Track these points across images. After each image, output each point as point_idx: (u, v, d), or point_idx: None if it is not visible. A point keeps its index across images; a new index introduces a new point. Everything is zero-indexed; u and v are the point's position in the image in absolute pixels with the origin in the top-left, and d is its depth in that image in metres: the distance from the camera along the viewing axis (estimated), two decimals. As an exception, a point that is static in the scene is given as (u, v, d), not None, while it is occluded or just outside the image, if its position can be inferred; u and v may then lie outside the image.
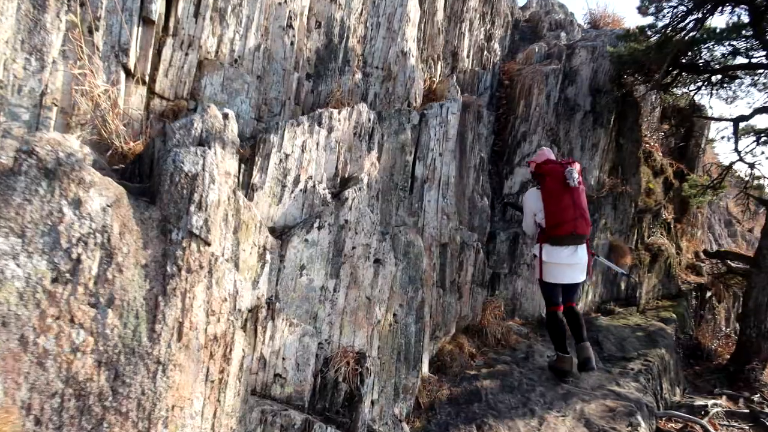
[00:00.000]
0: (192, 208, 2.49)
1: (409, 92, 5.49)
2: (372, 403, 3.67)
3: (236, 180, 2.91)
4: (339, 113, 3.76)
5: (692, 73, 7.86)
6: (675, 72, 8.04)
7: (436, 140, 4.96)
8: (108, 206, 2.21)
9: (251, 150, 3.29)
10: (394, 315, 4.25)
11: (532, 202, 5.21)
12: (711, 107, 15.44)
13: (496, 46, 9.36)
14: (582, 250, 4.97)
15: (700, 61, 7.76)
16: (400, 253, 4.32)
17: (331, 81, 4.85)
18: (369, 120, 4.02)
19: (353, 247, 3.56)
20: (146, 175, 2.85)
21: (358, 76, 5.36)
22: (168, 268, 2.38)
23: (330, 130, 3.63)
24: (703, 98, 17.67)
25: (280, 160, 3.34)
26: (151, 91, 3.90)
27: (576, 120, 8.07)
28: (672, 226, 9.82)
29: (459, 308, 5.74)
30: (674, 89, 8.38)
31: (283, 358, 3.00)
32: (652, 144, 9.40)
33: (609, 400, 5.16)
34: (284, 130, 3.38)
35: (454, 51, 8.06)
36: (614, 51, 7.84)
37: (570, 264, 4.97)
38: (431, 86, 6.76)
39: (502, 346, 6.11)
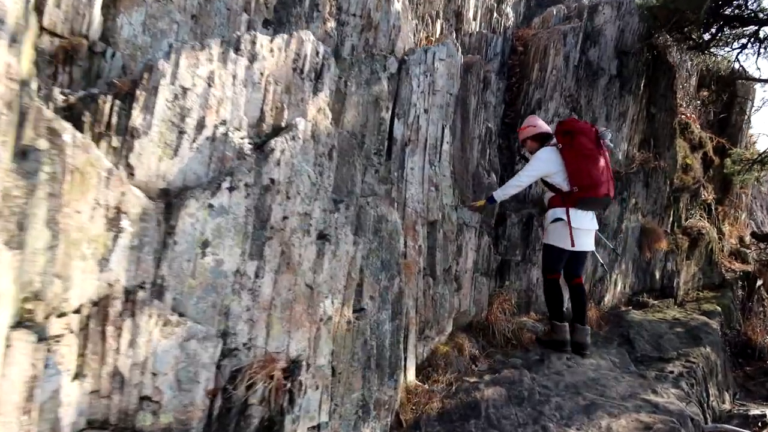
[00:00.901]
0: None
1: (394, 44, 4.46)
2: (317, 428, 2.66)
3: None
4: (271, 41, 2.76)
5: (736, 25, 6.60)
6: (716, 26, 6.79)
7: (419, 93, 3.92)
8: None
9: (131, 84, 2.32)
10: (360, 310, 3.23)
11: (550, 161, 4.52)
12: (759, 69, 13.87)
13: (509, 10, 8.23)
14: (596, 217, 4.70)
15: (746, 11, 6.50)
16: (367, 230, 3.30)
17: (296, 30, 3.85)
18: (317, 54, 3.01)
19: (284, 217, 2.55)
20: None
21: (331, 24, 4.35)
22: None
23: (253, 59, 2.63)
24: (748, 59, 16.12)
25: (175, 96, 2.36)
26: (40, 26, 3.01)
27: (600, 86, 6.91)
28: (713, 208, 8.53)
29: (457, 302, 4.68)
30: (714, 48, 7.11)
31: (154, 373, 2.02)
32: (688, 114, 8.14)
33: (644, 413, 4.03)
34: (180, 54, 2.39)
35: (457, 11, 6.98)
36: (643, 2, 6.64)
37: (590, 230, 4.62)
38: (427, 44, 5.72)
39: (512, 347, 5.03)
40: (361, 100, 3.71)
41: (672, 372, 5.08)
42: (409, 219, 3.88)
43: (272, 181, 2.49)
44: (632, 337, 5.65)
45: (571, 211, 4.46)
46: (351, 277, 3.01)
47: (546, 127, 5.05)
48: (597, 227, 4.65)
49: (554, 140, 4.83)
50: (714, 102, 8.23)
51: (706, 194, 8.44)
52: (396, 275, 3.51)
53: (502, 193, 4.74)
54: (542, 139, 4.84)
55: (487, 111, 6.23)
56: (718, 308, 7.10)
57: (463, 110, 5.64)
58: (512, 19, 8.16)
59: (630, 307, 6.71)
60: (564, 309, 4.88)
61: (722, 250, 8.68)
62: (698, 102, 8.32)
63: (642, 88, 7.17)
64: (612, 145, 4.65)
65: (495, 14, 7.61)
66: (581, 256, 4.72)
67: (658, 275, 7.21)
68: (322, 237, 2.78)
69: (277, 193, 2.52)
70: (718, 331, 6.29)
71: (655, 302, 6.95)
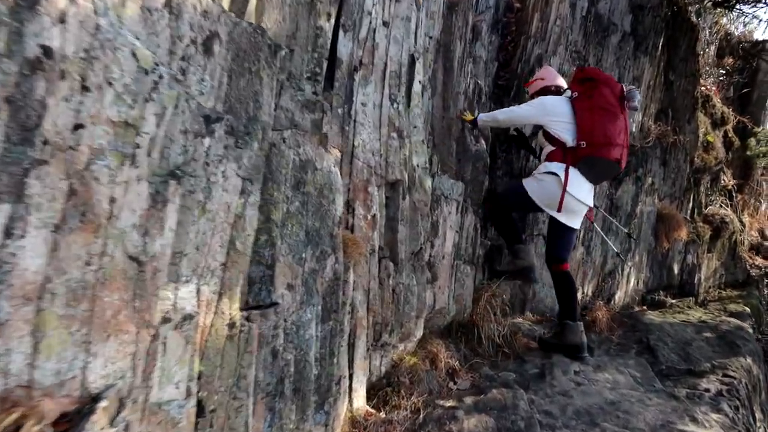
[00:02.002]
0: None
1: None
2: None
3: None
4: None
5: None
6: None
7: (375, -2, 2.69)
8: None
9: None
10: (270, 305, 2.01)
11: (555, 107, 3.68)
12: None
13: (504, -39, 7.02)
14: (593, 192, 3.81)
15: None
16: (282, 181, 2.08)
17: None
18: None
19: (77, 126, 1.32)
20: None
21: None
22: None
23: None
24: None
25: None
26: None
27: (611, 44, 5.72)
28: (733, 194, 7.36)
29: (430, 297, 3.47)
30: (740, 5, 5.93)
31: None
32: (708, 86, 6.95)
33: (685, 454, 2.85)
34: None
35: (442, -49, 5.75)
36: (665, -59, 5.45)
37: (584, 204, 3.67)
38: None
39: (503, 356, 3.83)
40: (291, 0, 2.48)
41: (708, 390, 3.89)
42: (357, 176, 2.66)
43: (46, 52, 1.26)
44: (653, 344, 4.45)
45: (572, 171, 3.55)
46: (236, 250, 1.78)
47: (559, 80, 4.05)
48: (592, 205, 3.77)
49: (568, 93, 3.79)
50: (740, 71, 7.04)
51: (725, 179, 7.27)
52: (330, 253, 2.29)
53: (487, 117, 3.96)
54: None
55: (477, 66, 5.01)
56: (747, 309, 5.92)
57: (446, 59, 4.43)
58: (508, -28, 6.96)
59: (645, 307, 5.51)
60: (574, 302, 3.83)
61: (743, 244, 7.50)
62: (721, 71, 7.13)
63: (660, 49, 5.97)
64: (638, 107, 3.79)
65: (488, -38, 6.37)
66: (567, 233, 3.75)
67: (676, 269, 6.02)
68: (172, 175, 1.54)
69: (62, 77, 1.29)
70: (754, 337, 5.10)
71: (674, 301, 5.77)
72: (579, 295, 5.02)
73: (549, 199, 3.64)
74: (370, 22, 2.69)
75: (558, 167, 3.59)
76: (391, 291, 2.93)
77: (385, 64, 2.74)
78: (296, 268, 2.19)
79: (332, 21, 2.59)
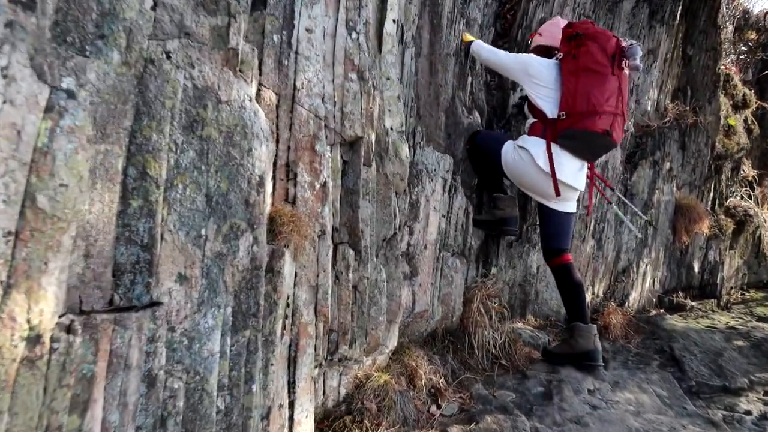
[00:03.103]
0: None
1: None
2: None
3: None
4: None
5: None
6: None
7: None
8: None
9: None
10: (150, 305, 1.26)
11: (542, 68, 3.03)
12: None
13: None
14: (585, 173, 3.11)
15: None
16: (165, 117, 1.34)
17: None
18: None
19: None
20: None
21: None
22: None
23: None
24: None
25: None
26: None
27: (623, 11, 4.99)
28: (754, 185, 6.63)
29: (409, 296, 2.72)
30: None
31: None
32: (727, 66, 6.22)
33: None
34: None
35: None
36: None
37: (572, 187, 3.02)
38: None
39: (501, 370, 3.09)
40: None
41: (749, 412, 3.17)
42: (301, 129, 1.91)
43: None
44: (679, 355, 3.70)
45: (554, 148, 2.93)
46: (39, 211, 1.03)
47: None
48: (583, 188, 3.11)
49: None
50: (763, 46, 6.31)
51: (745, 169, 6.54)
52: (246, 230, 1.54)
53: (477, 47, 3.37)
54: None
55: (470, 30, 4.27)
56: (776, 313, 5.18)
57: (433, 13, 3.71)
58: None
59: (662, 310, 4.77)
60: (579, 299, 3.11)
61: (765, 236, 6.77)
62: (742, 48, 6.39)
63: (677, 18, 5.24)
64: (641, 66, 3.00)
65: (484, -77, 5.64)
66: (560, 218, 3.12)
67: (696, 268, 5.27)
68: None
69: None
70: (792, 346, 4.35)
71: (695, 304, 5.02)
72: (588, 297, 4.28)
73: (520, 177, 3.09)
74: None
75: (534, 143, 2.98)
76: (351, 288, 2.17)
77: (341, -24, 1.98)
78: (192, 250, 1.44)
79: None
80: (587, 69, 2.84)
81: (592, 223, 4.21)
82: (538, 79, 2.99)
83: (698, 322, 4.42)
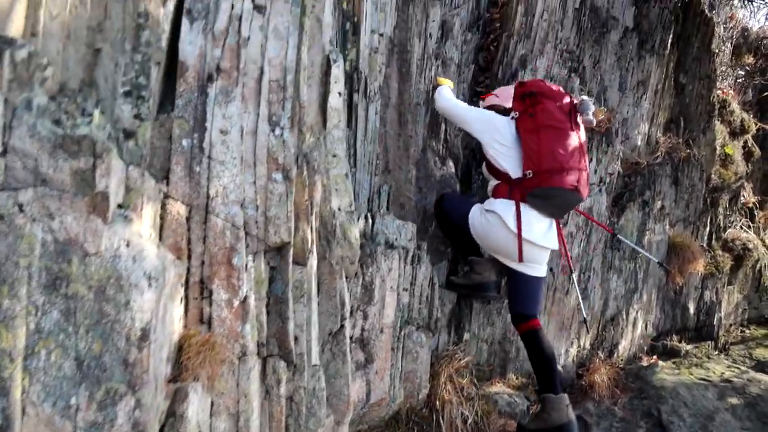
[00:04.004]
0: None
1: None
2: None
3: None
4: None
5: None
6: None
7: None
8: None
9: None
10: None
11: (501, 125, 2.92)
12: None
13: (488, -50, 6.06)
14: (555, 230, 2.94)
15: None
16: (21, 279, 1.15)
17: None
18: None
19: None
20: None
21: None
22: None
23: None
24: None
25: None
26: None
27: (610, 42, 4.76)
28: (755, 212, 6.36)
29: (363, 387, 2.52)
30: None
31: None
32: (725, 89, 5.96)
33: None
34: None
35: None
36: None
37: (543, 247, 2.87)
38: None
39: (470, 450, 2.87)
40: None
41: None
42: (216, 242, 1.71)
43: None
44: (666, 421, 3.48)
45: (523, 209, 2.78)
46: None
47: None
48: (556, 246, 2.95)
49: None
50: (762, 71, 6.03)
51: (745, 195, 6.27)
52: (125, 393, 1.34)
53: (438, 95, 3.23)
54: None
55: (447, 70, 4.06)
56: (777, 355, 4.92)
57: (402, 61, 3.53)
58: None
59: (655, 357, 4.53)
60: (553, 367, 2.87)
61: (766, 268, 6.49)
62: (739, 72, 6.12)
63: (668, 47, 5.00)
64: (594, 121, 2.98)
65: (466, -51, 5.42)
66: (529, 283, 2.93)
67: (692, 309, 5.02)
68: None
69: None
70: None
71: (690, 348, 4.78)
72: (574, 350, 4.06)
73: (493, 243, 2.91)
74: (233, 7, 1.73)
75: (502, 206, 2.81)
76: (284, 402, 1.97)
77: (261, 70, 1.78)
78: (60, 423, 1.25)
79: (170, 5, 1.64)
80: (547, 126, 2.75)
81: (579, 272, 3.98)
82: (501, 138, 2.88)
83: (691, 373, 4.18)
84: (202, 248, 1.71)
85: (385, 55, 3.44)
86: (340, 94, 2.35)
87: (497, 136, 2.86)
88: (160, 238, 1.64)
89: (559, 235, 3.18)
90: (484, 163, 3.18)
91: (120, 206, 1.37)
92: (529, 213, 2.78)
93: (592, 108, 2.86)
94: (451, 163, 3.72)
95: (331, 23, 2.37)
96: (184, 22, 1.69)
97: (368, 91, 3.30)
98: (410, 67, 3.52)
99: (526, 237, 2.73)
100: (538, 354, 2.88)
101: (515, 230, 2.73)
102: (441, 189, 3.56)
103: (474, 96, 4.32)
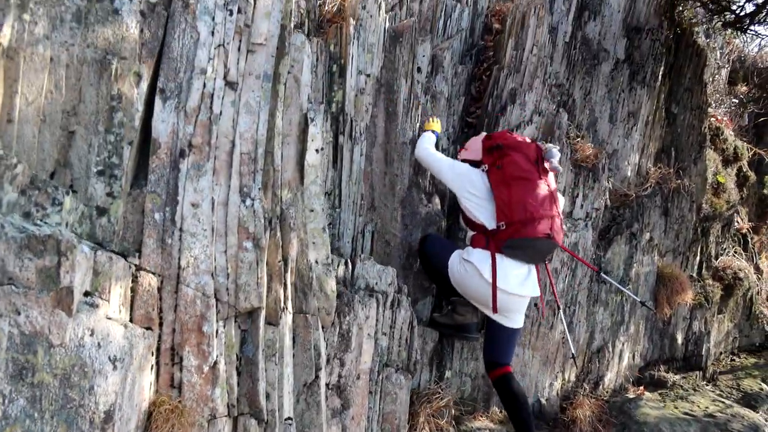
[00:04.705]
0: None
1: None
2: None
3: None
4: None
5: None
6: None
7: (213, 48, 1.82)
8: None
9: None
10: None
11: (474, 178, 3.01)
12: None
13: (484, -24, 6.12)
14: (534, 275, 2.98)
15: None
16: (2, 376, 1.21)
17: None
18: None
19: None
20: None
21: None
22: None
23: None
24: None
25: None
26: None
27: (601, 74, 4.81)
28: (748, 237, 6.36)
29: (338, 434, 2.57)
30: (758, 25, 5.00)
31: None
32: (719, 117, 5.98)
33: None
34: None
35: (402, -33, 4.88)
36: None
37: (521, 296, 2.91)
38: (337, 0, 3.69)
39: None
40: (67, 54, 1.62)
41: None
42: (186, 310, 1.78)
43: None
44: (646, 459, 3.50)
45: (498, 259, 2.82)
46: None
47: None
48: (536, 293, 2.97)
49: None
50: (755, 100, 6.04)
51: (739, 221, 6.27)
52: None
53: (420, 143, 3.31)
54: None
55: (437, 104, 4.13)
56: (764, 387, 4.93)
57: (388, 101, 3.60)
58: (489, -12, 6.05)
59: (641, 389, 4.55)
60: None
61: (760, 293, 6.49)
62: (733, 100, 6.13)
63: (660, 78, 5.04)
64: (561, 168, 3.10)
65: (461, -22, 5.48)
66: (505, 333, 2.97)
67: (680, 339, 5.03)
68: None
69: None
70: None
71: (677, 378, 4.80)
72: (558, 383, 4.10)
73: (471, 291, 2.95)
74: (205, 85, 1.80)
75: (479, 256, 2.86)
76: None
77: (232, 144, 1.85)
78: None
79: (144, 85, 1.71)
80: (516, 177, 2.85)
81: (564, 307, 4.02)
82: (475, 189, 2.95)
83: (676, 407, 4.21)
84: (173, 317, 1.78)
85: (372, 95, 3.52)
86: (317, 151, 2.41)
87: (471, 189, 2.93)
88: (132, 309, 1.71)
89: (547, 272, 3.35)
90: (461, 215, 3.24)
91: (87, 293, 1.44)
92: (504, 263, 2.83)
93: (558, 155, 2.96)
94: (437, 200, 3.78)
95: (309, 81, 2.44)
96: (157, 101, 1.76)
97: (354, 132, 3.37)
98: (397, 106, 3.59)
99: (501, 287, 2.78)
100: (510, 399, 2.94)
101: (490, 280, 2.78)
102: (427, 226, 3.62)
103: (465, 127, 4.40)
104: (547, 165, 2.93)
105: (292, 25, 2.14)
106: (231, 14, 1.83)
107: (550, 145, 2.98)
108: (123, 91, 1.69)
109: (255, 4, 1.86)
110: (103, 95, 1.67)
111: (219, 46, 1.81)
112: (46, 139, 1.61)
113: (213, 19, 1.81)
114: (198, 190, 1.80)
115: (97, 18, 1.67)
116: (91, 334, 1.41)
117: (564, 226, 3.18)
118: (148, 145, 1.76)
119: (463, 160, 3.21)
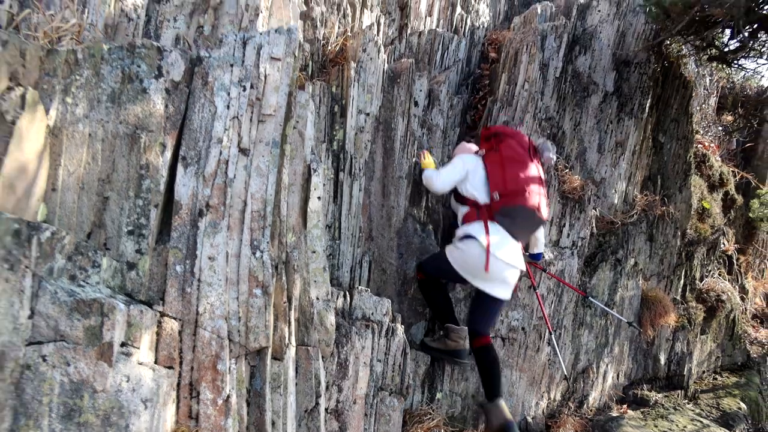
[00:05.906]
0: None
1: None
2: None
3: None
4: None
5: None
6: (748, 30, 4.89)
7: (229, 120, 2.08)
8: None
9: None
10: None
11: (470, 162, 3.48)
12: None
13: (481, 6, 6.39)
14: (520, 252, 3.34)
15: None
16: (43, 413, 1.48)
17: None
18: None
19: None
20: None
21: None
22: None
23: None
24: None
25: None
26: None
27: (591, 106, 5.06)
28: (734, 259, 6.60)
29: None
30: (743, 59, 5.24)
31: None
32: (706, 144, 6.22)
33: None
34: None
35: (402, 2, 5.15)
36: (651, -4, 4.74)
37: (512, 266, 3.22)
38: (339, 41, 3.97)
39: None
40: (103, 130, 1.88)
41: None
42: (204, 350, 2.03)
43: None
44: (624, 478, 3.75)
45: (491, 226, 3.20)
46: None
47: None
48: (524, 268, 3.36)
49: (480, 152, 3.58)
50: (740, 129, 6.29)
51: (726, 243, 6.51)
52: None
53: (427, 176, 3.62)
54: None
55: (432, 136, 4.40)
56: (743, 406, 5.17)
57: (386, 138, 3.86)
58: (485, 17, 6.31)
59: (625, 407, 4.79)
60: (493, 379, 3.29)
61: (745, 312, 6.74)
62: (719, 127, 6.38)
63: (647, 110, 5.29)
64: (555, 159, 3.68)
65: (459, 9, 5.76)
66: (491, 303, 3.31)
67: (663, 359, 5.28)
68: None
69: None
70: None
71: (659, 396, 5.04)
72: (544, 402, 4.35)
73: (473, 267, 3.20)
74: (221, 153, 2.06)
75: (475, 227, 3.22)
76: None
77: (244, 203, 2.11)
78: None
79: (168, 154, 1.97)
80: (510, 158, 3.29)
81: (554, 335, 4.27)
82: (473, 172, 3.36)
83: (656, 426, 4.45)
84: (192, 356, 2.04)
85: (371, 132, 3.77)
86: (319, 198, 2.66)
87: (471, 172, 3.39)
88: (157, 350, 1.96)
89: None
90: (452, 195, 3.64)
91: (123, 344, 1.69)
92: (498, 230, 3.17)
93: (552, 148, 3.45)
94: (431, 230, 4.02)
95: (312, 135, 2.70)
96: (179, 168, 2.02)
97: (353, 169, 3.63)
98: (394, 143, 3.85)
99: (493, 252, 3.08)
100: (488, 365, 3.24)
101: (485, 243, 3.08)
102: (421, 255, 3.87)
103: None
104: (541, 157, 3.43)
105: (296, 88, 2.40)
106: (244, 90, 2.09)
107: (544, 140, 3.51)
108: (150, 160, 1.95)
109: (266, 80, 2.11)
110: (133, 164, 1.92)
111: (234, 118, 2.07)
112: (84, 204, 1.87)
113: (228, 94, 2.07)
114: (214, 245, 2.05)
115: (128, 97, 1.93)
116: (127, 381, 1.66)
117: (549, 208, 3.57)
118: (171, 205, 2.02)
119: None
